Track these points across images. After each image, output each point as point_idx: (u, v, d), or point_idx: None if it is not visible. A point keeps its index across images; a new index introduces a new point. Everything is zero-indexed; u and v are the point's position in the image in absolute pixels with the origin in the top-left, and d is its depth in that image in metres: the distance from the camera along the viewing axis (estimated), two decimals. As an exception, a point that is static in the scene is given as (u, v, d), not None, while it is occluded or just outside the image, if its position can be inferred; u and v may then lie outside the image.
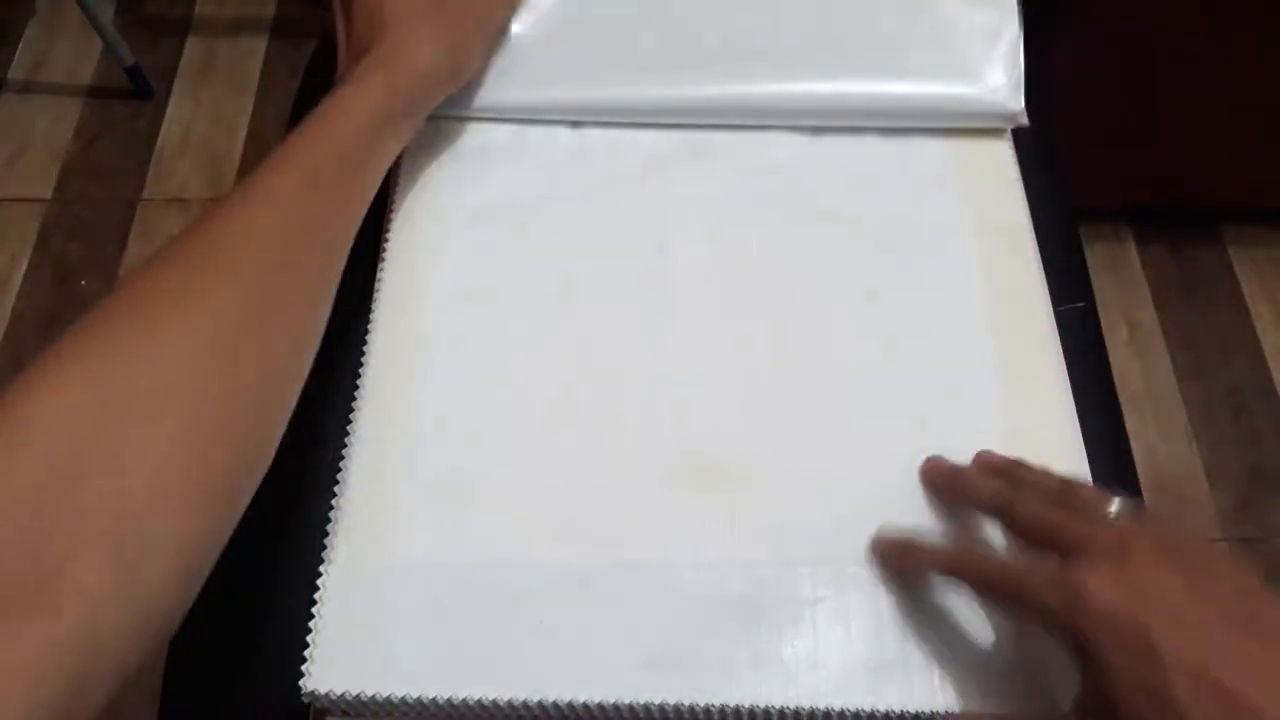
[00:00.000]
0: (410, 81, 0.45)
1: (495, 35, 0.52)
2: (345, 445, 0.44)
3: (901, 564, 0.41)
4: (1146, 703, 0.30)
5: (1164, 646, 0.30)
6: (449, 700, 0.39)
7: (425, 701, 0.39)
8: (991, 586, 0.36)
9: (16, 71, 1.44)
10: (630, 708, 0.39)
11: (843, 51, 0.53)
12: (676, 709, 0.39)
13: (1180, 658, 0.29)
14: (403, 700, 0.39)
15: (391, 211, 0.51)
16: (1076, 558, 0.33)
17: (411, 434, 0.45)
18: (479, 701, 0.38)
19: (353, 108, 0.43)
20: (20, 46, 1.47)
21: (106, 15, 1.36)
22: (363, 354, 0.47)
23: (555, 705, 0.39)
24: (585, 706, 0.39)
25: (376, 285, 0.49)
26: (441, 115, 0.54)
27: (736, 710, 0.39)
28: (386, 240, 0.50)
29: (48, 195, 1.33)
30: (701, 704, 0.39)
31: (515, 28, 0.55)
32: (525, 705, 0.39)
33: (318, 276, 0.41)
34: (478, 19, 0.50)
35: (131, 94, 1.41)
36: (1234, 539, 1.09)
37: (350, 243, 0.43)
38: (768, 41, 0.54)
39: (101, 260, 1.27)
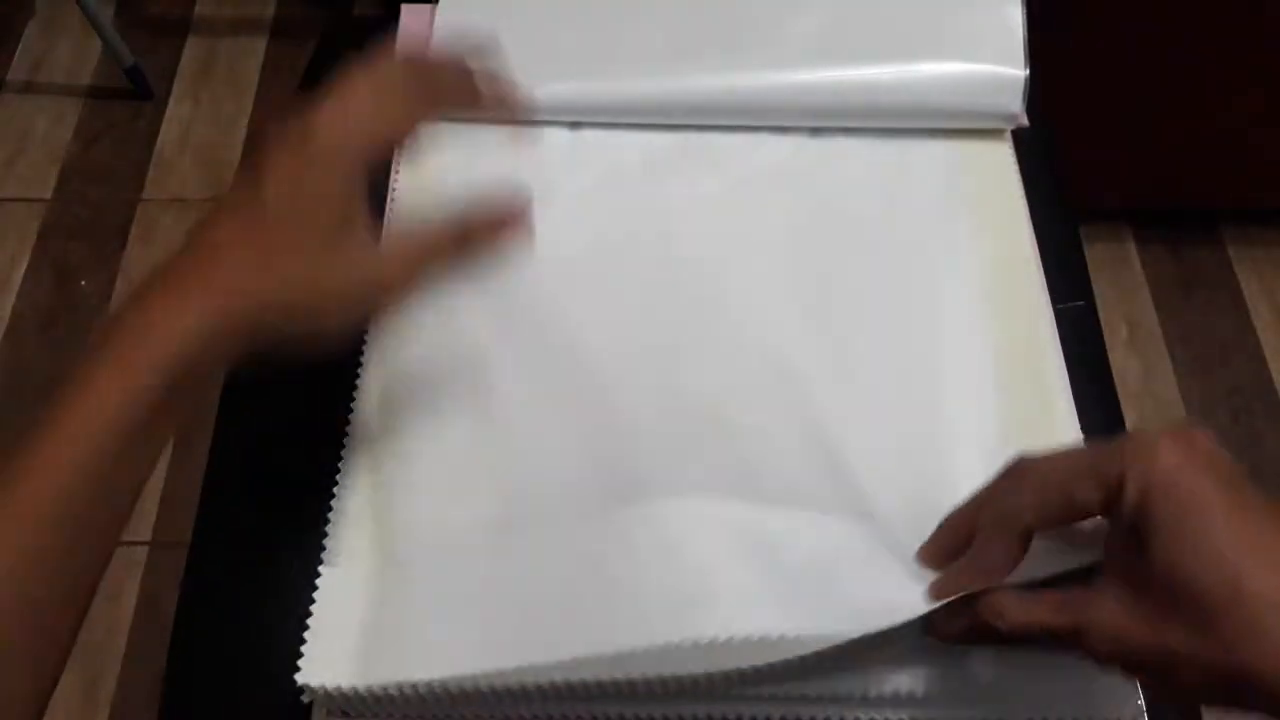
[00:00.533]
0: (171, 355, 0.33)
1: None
2: (344, 444, 0.44)
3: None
4: (1196, 560, 0.30)
5: (1221, 507, 0.30)
6: (446, 694, 0.38)
7: (422, 694, 0.39)
8: (1051, 479, 0.34)
9: (16, 72, 1.44)
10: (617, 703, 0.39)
11: (843, 52, 0.53)
12: (645, 681, 0.38)
13: (1234, 524, 0.30)
14: (400, 693, 0.39)
15: (389, 214, 0.51)
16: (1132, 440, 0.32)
17: (409, 433, 0.45)
18: (479, 695, 0.38)
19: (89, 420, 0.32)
20: (20, 47, 1.47)
21: (106, 16, 1.36)
22: (361, 354, 0.47)
23: (556, 696, 0.39)
24: (585, 697, 0.39)
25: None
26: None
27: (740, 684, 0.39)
28: (385, 241, 0.50)
29: (47, 195, 1.33)
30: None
31: (515, 27, 0.55)
32: (526, 698, 0.39)
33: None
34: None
35: (131, 94, 1.41)
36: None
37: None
38: (767, 42, 0.54)
39: (101, 260, 1.27)
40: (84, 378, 0.32)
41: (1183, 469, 0.31)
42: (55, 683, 0.33)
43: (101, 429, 0.32)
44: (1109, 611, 0.32)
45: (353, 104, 0.35)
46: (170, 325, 0.33)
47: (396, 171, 0.52)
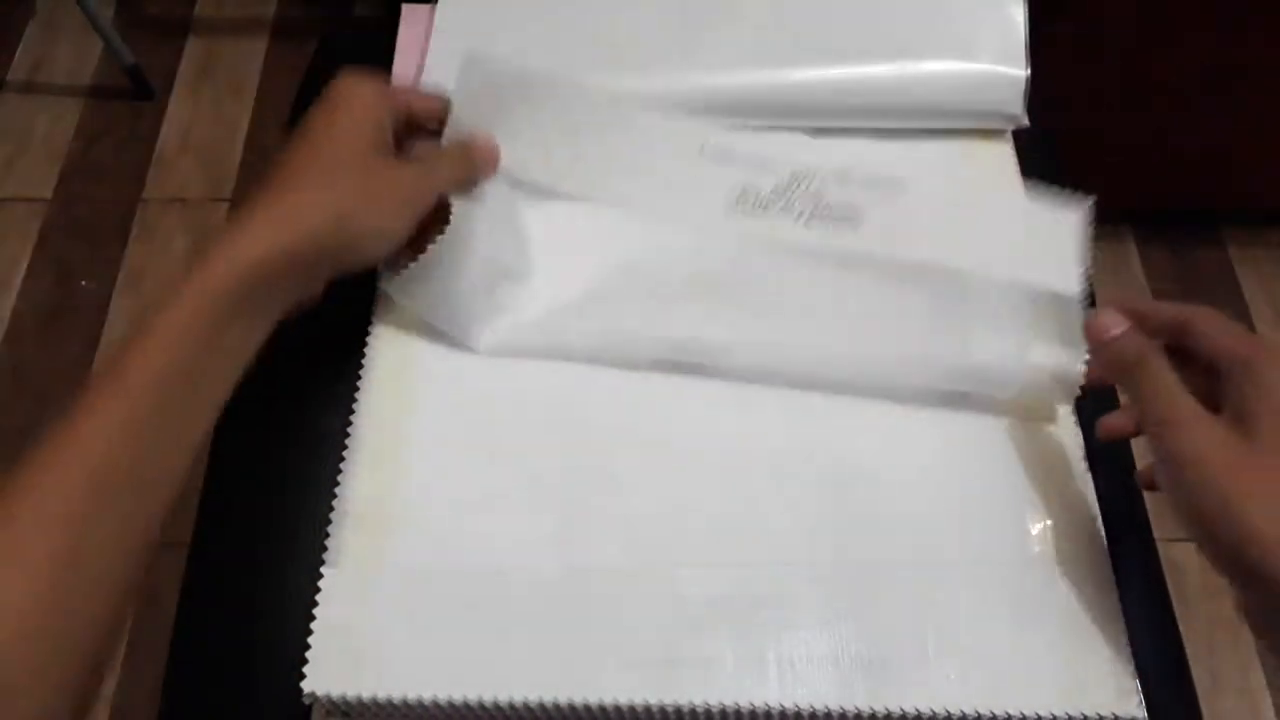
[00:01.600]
0: (264, 261, 0.38)
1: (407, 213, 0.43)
2: (346, 447, 0.44)
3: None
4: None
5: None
6: (449, 702, 0.39)
7: (425, 703, 0.39)
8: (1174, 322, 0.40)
9: (17, 72, 1.44)
10: (618, 709, 0.39)
11: (844, 51, 0.53)
12: (676, 710, 0.39)
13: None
14: (402, 702, 0.39)
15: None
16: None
17: (411, 438, 0.45)
18: (479, 703, 0.39)
19: (190, 302, 0.36)
20: (20, 47, 1.47)
21: (106, 16, 1.36)
22: (362, 358, 0.47)
23: (556, 706, 0.39)
24: (586, 708, 0.39)
25: (377, 290, 0.48)
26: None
27: (723, 712, 0.39)
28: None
29: (48, 195, 1.33)
30: (693, 704, 0.39)
31: (513, 27, 0.55)
32: (526, 707, 0.39)
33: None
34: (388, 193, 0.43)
35: (132, 94, 1.41)
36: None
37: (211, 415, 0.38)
38: (767, 42, 0.54)
39: (102, 260, 1.27)
40: (170, 287, 0.37)
41: None
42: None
43: (181, 332, 0.36)
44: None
45: (364, 77, 0.44)
46: (247, 238, 0.38)
47: None
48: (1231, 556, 0.35)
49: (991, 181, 0.53)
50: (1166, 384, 0.38)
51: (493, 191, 0.47)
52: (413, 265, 0.44)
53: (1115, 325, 0.40)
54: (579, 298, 0.47)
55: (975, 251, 0.47)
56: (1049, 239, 0.46)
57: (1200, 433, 0.37)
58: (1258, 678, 0.99)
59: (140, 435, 0.35)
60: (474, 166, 0.47)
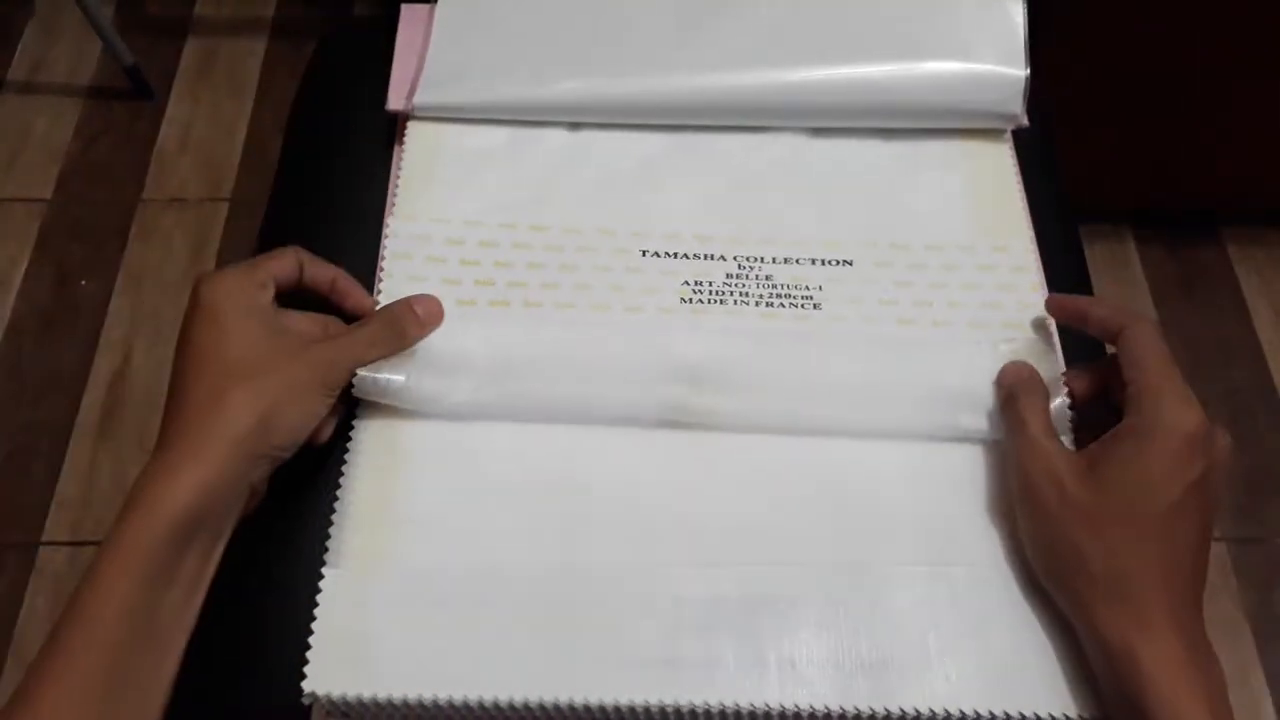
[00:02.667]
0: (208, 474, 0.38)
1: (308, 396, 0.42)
2: (347, 450, 0.44)
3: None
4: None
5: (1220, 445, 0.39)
6: (449, 703, 0.39)
7: (425, 704, 0.39)
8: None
9: (16, 72, 1.44)
10: (618, 709, 0.39)
11: (844, 51, 0.53)
12: (677, 710, 0.39)
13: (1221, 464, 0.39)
14: (403, 702, 0.39)
15: (390, 215, 0.51)
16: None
17: (411, 443, 0.44)
18: (479, 704, 0.38)
19: (139, 536, 0.36)
20: (19, 47, 1.46)
21: (106, 16, 1.36)
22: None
23: (556, 707, 0.39)
24: (586, 708, 0.39)
25: (376, 294, 0.48)
26: (439, 118, 0.54)
27: (723, 712, 0.39)
28: (385, 244, 0.50)
29: (47, 196, 1.33)
30: (694, 705, 0.39)
31: (513, 27, 0.55)
32: (526, 707, 0.39)
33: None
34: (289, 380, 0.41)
35: (131, 94, 1.41)
36: (1235, 539, 1.09)
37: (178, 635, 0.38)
38: (768, 42, 0.54)
39: (101, 261, 1.27)
40: (106, 542, 0.37)
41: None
42: None
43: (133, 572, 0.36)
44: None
45: (221, 272, 0.43)
46: (175, 482, 0.37)
47: (392, 205, 0.52)
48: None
49: (990, 181, 0.53)
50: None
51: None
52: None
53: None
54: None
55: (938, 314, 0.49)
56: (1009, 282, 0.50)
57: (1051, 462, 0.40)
58: (1258, 677, 0.99)
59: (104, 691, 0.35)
60: (401, 335, 0.45)
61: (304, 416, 0.41)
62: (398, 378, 0.44)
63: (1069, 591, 0.39)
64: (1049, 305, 0.48)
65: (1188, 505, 0.38)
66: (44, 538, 1.07)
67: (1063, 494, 0.39)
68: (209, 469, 0.38)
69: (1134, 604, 0.37)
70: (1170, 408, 0.39)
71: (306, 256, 0.46)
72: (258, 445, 0.40)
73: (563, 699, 0.38)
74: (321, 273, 0.46)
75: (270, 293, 0.43)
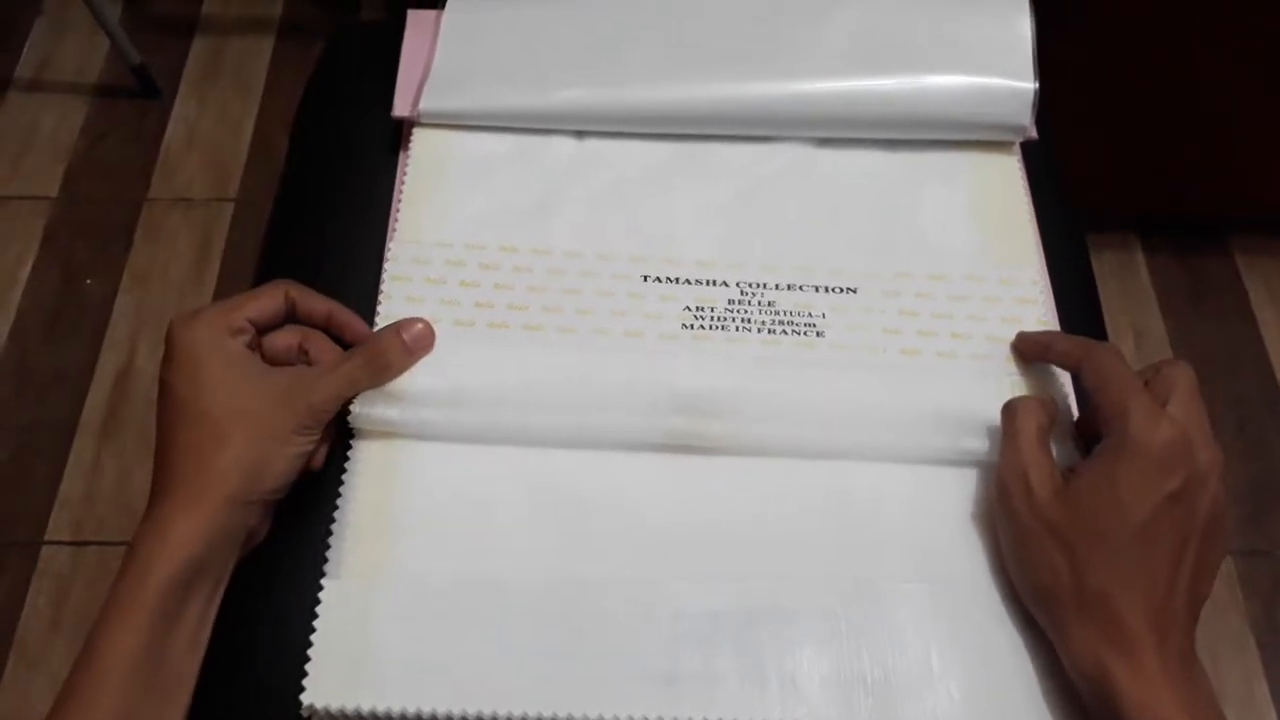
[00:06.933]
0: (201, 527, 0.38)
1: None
2: (347, 458, 0.44)
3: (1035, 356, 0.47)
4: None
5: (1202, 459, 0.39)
6: (448, 716, 0.38)
7: (424, 717, 0.39)
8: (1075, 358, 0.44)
9: (23, 70, 1.44)
10: None
11: (852, 63, 0.53)
12: None
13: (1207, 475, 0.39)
14: (401, 715, 0.38)
15: (395, 222, 0.51)
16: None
17: (410, 456, 0.44)
18: (478, 718, 0.38)
19: (140, 591, 0.37)
20: (27, 45, 1.47)
21: (113, 14, 1.36)
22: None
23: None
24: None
25: (379, 300, 0.48)
26: (445, 125, 0.54)
27: None
28: (385, 266, 0.50)
29: (54, 194, 1.33)
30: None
31: (520, 33, 0.55)
32: (525, 721, 0.39)
33: None
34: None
35: (138, 93, 1.41)
36: (1240, 551, 1.08)
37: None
38: (776, 52, 0.54)
39: (107, 259, 1.27)
40: (109, 599, 0.37)
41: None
42: None
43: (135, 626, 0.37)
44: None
45: (191, 315, 0.42)
46: (171, 538, 0.38)
47: (396, 214, 0.52)
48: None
49: (999, 195, 0.53)
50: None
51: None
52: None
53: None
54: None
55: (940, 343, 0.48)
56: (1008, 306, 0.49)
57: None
58: (1262, 690, 0.99)
59: None
60: (386, 368, 0.44)
61: (291, 460, 0.41)
62: (392, 413, 0.44)
63: (1044, 610, 0.39)
64: (1015, 345, 0.48)
65: (1162, 520, 0.38)
66: (47, 537, 1.07)
67: (1032, 503, 0.39)
68: (203, 522, 0.38)
69: (1109, 623, 0.37)
70: (1136, 423, 0.38)
71: (298, 292, 0.45)
72: (249, 494, 0.40)
73: (562, 713, 0.38)
74: (316, 307, 0.45)
75: (248, 337, 0.43)
